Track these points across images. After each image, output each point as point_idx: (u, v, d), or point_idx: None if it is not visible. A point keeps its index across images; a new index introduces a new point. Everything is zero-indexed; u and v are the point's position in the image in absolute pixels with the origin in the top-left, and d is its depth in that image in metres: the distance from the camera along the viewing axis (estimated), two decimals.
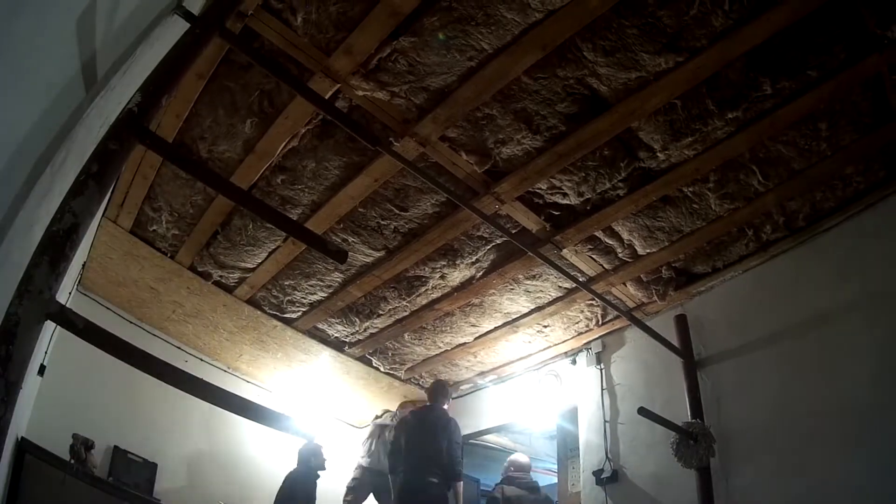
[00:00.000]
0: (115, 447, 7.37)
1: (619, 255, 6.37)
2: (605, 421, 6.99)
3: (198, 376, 2.39)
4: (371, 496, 8.49)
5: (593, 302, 7.07)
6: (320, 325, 8.17)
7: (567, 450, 8.41)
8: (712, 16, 4.15)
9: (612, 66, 4.54)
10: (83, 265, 6.91)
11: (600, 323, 7.39)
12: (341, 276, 7.15)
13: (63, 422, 6.69)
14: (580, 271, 6.57)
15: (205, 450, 8.48)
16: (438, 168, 5.48)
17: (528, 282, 6.91)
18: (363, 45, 4.49)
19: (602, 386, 7.24)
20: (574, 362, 7.84)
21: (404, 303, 7.46)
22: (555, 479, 9.79)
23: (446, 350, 8.34)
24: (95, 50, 2.23)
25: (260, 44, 4.52)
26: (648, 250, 6.26)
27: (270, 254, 6.86)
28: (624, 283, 6.77)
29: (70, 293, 6.30)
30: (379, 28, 4.36)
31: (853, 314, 5.32)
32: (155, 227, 6.65)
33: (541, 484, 12.27)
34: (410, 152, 5.27)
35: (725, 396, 5.97)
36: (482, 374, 8.80)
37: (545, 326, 7.62)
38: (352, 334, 8.21)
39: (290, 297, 7.64)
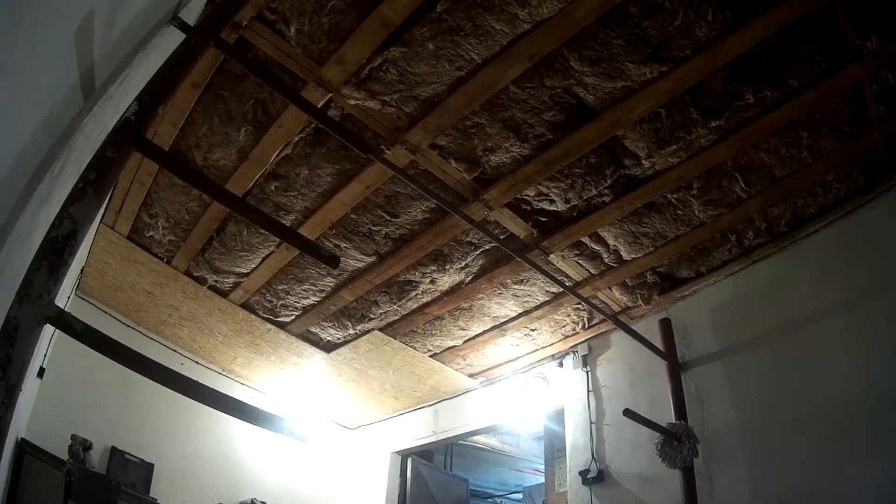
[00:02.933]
0: (113, 448, 7.37)
1: (605, 260, 6.39)
2: (592, 422, 7.00)
3: (193, 378, 2.39)
4: None
5: (580, 306, 7.09)
6: (313, 329, 8.16)
7: (554, 450, 8.42)
8: (696, 26, 4.17)
9: (599, 76, 4.56)
10: (81, 270, 6.90)
11: (586, 326, 7.41)
12: (333, 280, 7.15)
13: (62, 423, 6.70)
14: (567, 276, 6.58)
15: (200, 451, 8.46)
16: (428, 175, 5.49)
17: (516, 286, 6.92)
18: (355, 56, 4.50)
19: (588, 388, 7.24)
20: (561, 365, 7.84)
21: (395, 307, 7.46)
22: (542, 479, 9.81)
23: (436, 353, 8.34)
24: (93, 60, 2.23)
25: (254, 54, 4.52)
26: (633, 255, 6.28)
27: (264, 259, 6.85)
28: (609, 288, 6.78)
29: (69, 298, 6.28)
30: (370, 39, 4.36)
31: (833, 318, 5.35)
32: (151, 233, 6.64)
33: (527, 484, 12.35)
34: (401, 160, 5.28)
35: (709, 398, 5.99)
36: (471, 376, 8.79)
37: (532, 330, 7.63)
38: (344, 338, 8.21)
39: (283, 302, 7.63)
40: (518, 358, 8.22)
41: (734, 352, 6.00)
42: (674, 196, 5.57)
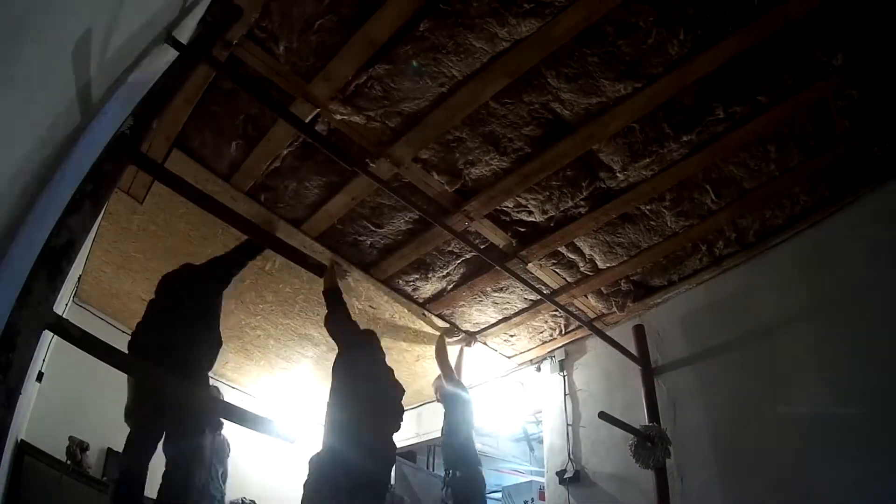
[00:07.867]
0: (109, 449, 7.33)
1: (581, 269, 6.41)
2: (568, 424, 7.01)
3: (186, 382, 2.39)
4: None
5: (557, 313, 7.09)
6: None
7: None
8: (668, 45, 4.21)
9: (575, 92, 4.59)
10: (79, 278, 6.88)
11: (563, 332, 7.41)
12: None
13: (60, 425, 6.71)
14: (544, 284, 6.59)
15: None
16: (412, 187, 5.49)
17: (496, 294, 6.93)
18: (341, 72, 4.51)
19: (565, 392, 7.25)
20: (539, 369, 7.86)
21: None
22: (520, 479, 9.80)
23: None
24: (90, 77, 2.24)
25: (244, 71, 4.51)
26: (608, 264, 6.30)
27: None
28: (585, 296, 6.80)
29: (66, 304, 6.28)
30: (356, 56, 4.38)
31: (800, 324, 5.38)
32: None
33: (507, 483, 12.33)
34: (385, 173, 5.28)
35: (680, 401, 6.01)
36: None
37: (511, 336, 7.63)
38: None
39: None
40: (497, 363, 8.22)
41: (705, 357, 6.02)
42: (647, 207, 5.60)
